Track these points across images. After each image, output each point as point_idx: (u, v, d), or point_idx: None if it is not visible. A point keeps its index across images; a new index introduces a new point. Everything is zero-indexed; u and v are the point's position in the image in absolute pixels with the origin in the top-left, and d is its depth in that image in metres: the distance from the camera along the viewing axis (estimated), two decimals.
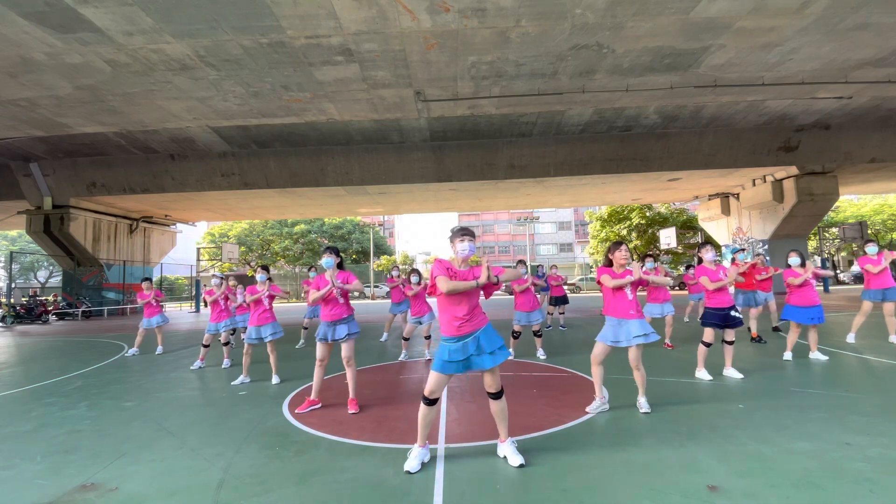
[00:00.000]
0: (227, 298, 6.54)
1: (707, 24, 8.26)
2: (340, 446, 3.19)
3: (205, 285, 27.79)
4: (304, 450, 3.15)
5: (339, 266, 4.22)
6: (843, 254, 39.56)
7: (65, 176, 16.24)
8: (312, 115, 12.12)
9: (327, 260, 4.13)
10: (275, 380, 5.24)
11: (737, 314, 4.74)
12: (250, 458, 3.02)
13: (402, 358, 6.48)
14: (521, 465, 2.73)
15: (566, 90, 10.95)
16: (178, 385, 5.40)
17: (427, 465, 2.80)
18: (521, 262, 6.69)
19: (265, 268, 5.55)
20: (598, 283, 3.81)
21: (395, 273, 8.16)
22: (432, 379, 2.81)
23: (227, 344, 6.56)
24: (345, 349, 4.07)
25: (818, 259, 25.31)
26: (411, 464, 2.74)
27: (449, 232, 3.07)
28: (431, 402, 2.81)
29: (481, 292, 2.93)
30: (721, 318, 4.75)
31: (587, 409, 3.75)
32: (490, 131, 14.53)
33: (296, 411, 4.01)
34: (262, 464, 2.92)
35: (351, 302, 4.28)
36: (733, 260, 7.57)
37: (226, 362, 6.46)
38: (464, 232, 2.94)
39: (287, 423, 3.75)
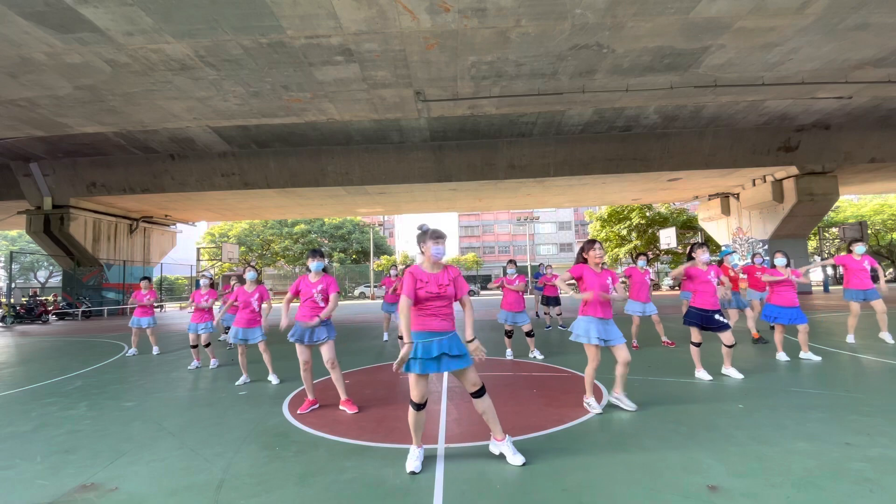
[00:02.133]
0: (208, 308, 6.52)
1: (707, 24, 8.26)
2: (340, 446, 3.19)
3: None
4: (304, 450, 3.15)
5: (325, 270, 4.19)
6: (843, 254, 39.53)
7: (65, 176, 16.24)
8: (312, 115, 12.12)
9: (318, 264, 4.07)
10: (274, 380, 5.22)
11: (721, 318, 4.65)
12: (250, 458, 3.02)
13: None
14: (524, 464, 2.72)
15: (566, 90, 10.95)
16: (178, 385, 5.40)
17: (427, 465, 2.79)
18: (512, 261, 6.66)
19: (254, 267, 5.52)
20: (578, 279, 3.70)
21: (393, 273, 8.18)
22: (413, 382, 2.75)
23: (207, 345, 6.51)
24: (326, 353, 4.02)
25: (818, 259, 25.30)
26: (414, 464, 2.73)
27: (418, 230, 2.93)
28: (421, 407, 2.78)
29: (464, 303, 2.89)
30: (701, 319, 4.69)
31: (598, 409, 3.68)
32: (490, 131, 14.53)
33: (297, 412, 4.00)
34: (262, 464, 2.92)
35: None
36: (721, 262, 7.35)
37: (213, 362, 6.42)
38: (438, 235, 2.85)
39: (287, 423, 3.75)
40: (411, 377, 2.77)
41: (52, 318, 17.39)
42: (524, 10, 7.67)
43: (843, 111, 13.55)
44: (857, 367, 5.17)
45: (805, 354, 5.51)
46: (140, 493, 2.58)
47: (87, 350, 8.69)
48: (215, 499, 2.47)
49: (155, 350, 7.93)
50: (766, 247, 18.24)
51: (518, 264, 6.64)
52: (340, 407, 4.04)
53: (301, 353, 4.06)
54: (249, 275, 5.38)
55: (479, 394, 2.81)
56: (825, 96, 12.01)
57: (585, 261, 3.77)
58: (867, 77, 10.69)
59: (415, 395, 2.76)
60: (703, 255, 4.74)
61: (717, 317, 4.65)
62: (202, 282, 6.67)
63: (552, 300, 9.76)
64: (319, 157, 15.74)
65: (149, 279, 8.13)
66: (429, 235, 2.86)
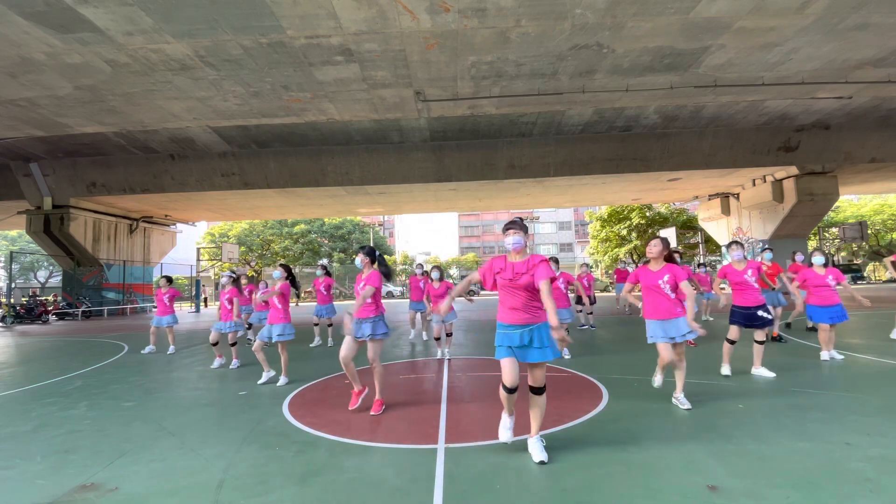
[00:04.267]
0: (231, 301, 6.51)
1: (707, 24, 8.26)
2: (340, 446, 3.20)
3: (204, 285, 27.74)
4: (304, 450, 3.15)
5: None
6: (843, 254, 39.55)
7: (65, 176, 16.23)
8: (312, 115, 12.11)
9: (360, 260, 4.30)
10: (282, 380, 5.20)
11: (765, 314, 4.65)
12: (250, 458, 3.02)
13: (443, 356, 6.47)
14: (542, 462, 2.76)
15: (566, 90, 10.94)
16: (178, 385, 5.40)
17: (427, 465, 2.80)
18: (554, 259, 6.56)
19: (285, 266, 5.45)
20: (636, 282, 3.89)
21: (418, 272, 8.40)
22: (503, 367, 2.87)
23: (234, 344, 6.51)
24: (370, 350, 4.04)
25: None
26: (506, 434, 2.91)
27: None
28: (511, 391, 2.86)
29: (541, 288, 2.77)
30: (745, 318, 4.71)
31: (688, 405, 3.75)
32: (490, 131, 14.53)
33: (349, 408, 3.98)
34: (262, 464, 2.93)
35: (350, 301, 4.28)
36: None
37: (234, 363, 6.40)
38: (510, 226, 2.95)
39: (287, 423, 3.75)
40: (500, 361, 2.89)
41: (52, 318, 17.38)
42: (524, 10, 7.66)
43: (843, 111, 13.54)
44: (858, 367, 5.17)
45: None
46: (140, 493, 2.58)
47: (87, 350, 8.69)
48: (215, 499, 2.47)
49: (171, 349, 7.93)
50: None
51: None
52: (372, 412, 3.95)
53: (351, 348, 4.03)
54: (276, 273, 5.41)
55: (539, 391, 2.90)
56: (825, 96, 12.00)
57: (647, 261, 3.90)
58: (867, 77, 10.68)
59: (504, 379, 2.86)
60: (733, 253, 4.83)
61: (760, 313, 4.64)
62: (223, 280, 6.62)
63: (588, 299, 9.88)
64: (319, 157, 15.73)
65: (168, 278, 8.15)
66: (504, 228, 3.00)
